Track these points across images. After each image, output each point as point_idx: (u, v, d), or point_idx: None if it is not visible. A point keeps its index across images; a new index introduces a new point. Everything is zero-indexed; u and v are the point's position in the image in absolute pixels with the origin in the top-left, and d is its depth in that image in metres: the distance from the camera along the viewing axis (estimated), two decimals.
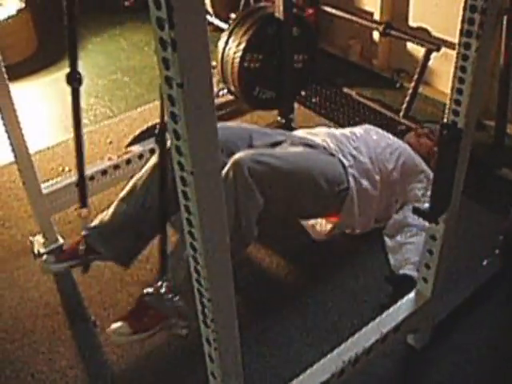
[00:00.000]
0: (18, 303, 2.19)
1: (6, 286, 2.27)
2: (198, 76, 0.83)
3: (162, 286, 1.83)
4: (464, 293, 2.14)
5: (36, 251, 2.29)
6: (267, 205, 1.93)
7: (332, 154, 2.23)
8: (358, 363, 1.67)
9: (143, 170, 2.11)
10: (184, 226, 1.02)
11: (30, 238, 2.35)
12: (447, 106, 1.45)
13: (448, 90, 1.44)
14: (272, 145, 2.25)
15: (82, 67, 3.84)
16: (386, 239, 2.33)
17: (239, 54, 2.82)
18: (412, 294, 1.85)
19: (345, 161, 2.22)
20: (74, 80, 1.97)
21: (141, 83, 3.63)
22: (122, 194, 2.11)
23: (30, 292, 2.23)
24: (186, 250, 1.72)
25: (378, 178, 2.29)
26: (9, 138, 2.12)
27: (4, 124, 2.09)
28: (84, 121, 3.31)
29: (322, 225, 2.35)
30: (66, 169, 2.84)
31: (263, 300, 2.19)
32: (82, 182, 2.13)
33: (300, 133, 2.45)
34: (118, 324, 1.82)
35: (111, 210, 2.10)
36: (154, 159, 2.11)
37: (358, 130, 2.49)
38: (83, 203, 2.15)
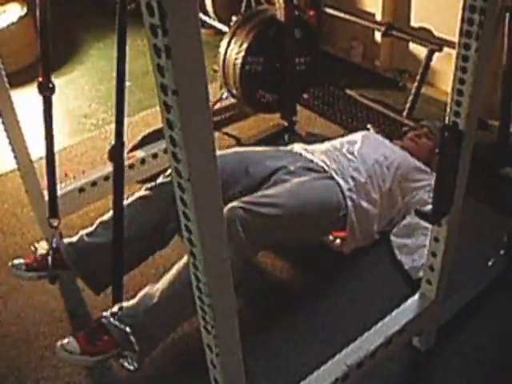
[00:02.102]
0: (22, 309, 2.19)
1: (11, 293, 2.27)
2: (193, 83, 0.82)
3: (118, 313, 1.77)
4: (469, 294, 2.13)
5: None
6: (263, 247, 2.02)
7: (331, 177, 2.23)
8: (362, 367, 1.66)
9: (128, 200, 2.10)
10: (183, 233, 1.02)
11: (34, 244, 2.35)
12: (448, 108, 1.45)
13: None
14: (270, 174, 2.22)
15: (84, 73, 3.89)
16: (397, 240, 2.33)
17: (241, 57, 2.82)
18: (416, 297, 1.85)
19: (343, 184, 2.22)
20: (47, 89, 1.95)
21: (143, 88, 3.63)
22: (104, 217, 2.09)
23: (34, 298, 2.23)
24: (152, 300, 1.77)
25: (377, 196, 2.30)
26: (11, 145, 2.13)
27: (6, 131, 2.09)
28: (86, 126, 3.33)
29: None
30: (71, 175, 2.84)
31: (266, 304, 2.18)
32: (52, 192, 2.10)
33: (298, 148, 2.44)
34: (69, 339, 1.76)
35: (92, 230, 2.07)
36: (140, 192, 2.14)
37: (356, 142, 2.47)
38: (54, 214, 2.11)
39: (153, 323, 1.79)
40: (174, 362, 1.98)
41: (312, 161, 2.30)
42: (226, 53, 2.93)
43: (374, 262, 2.32)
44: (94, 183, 2.42)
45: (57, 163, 2.93)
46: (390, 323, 1.76)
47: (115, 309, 1.77)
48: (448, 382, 1.89)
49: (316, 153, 2.37)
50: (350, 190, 2.22)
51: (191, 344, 1.98)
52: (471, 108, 1.39)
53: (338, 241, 2.31)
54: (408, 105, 3.14)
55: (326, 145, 2.48)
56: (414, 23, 3.39)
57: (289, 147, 2.49)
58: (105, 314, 1.78)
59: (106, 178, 2.44)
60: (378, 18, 3.51)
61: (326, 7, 3.70)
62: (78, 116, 3.43)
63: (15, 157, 2.16)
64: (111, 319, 1.76)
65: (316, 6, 3.74)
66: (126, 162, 2.49)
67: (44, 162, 2.84)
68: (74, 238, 2.08)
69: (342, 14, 3.60)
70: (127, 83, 3.90)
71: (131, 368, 1.78)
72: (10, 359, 2.01)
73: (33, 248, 2.34)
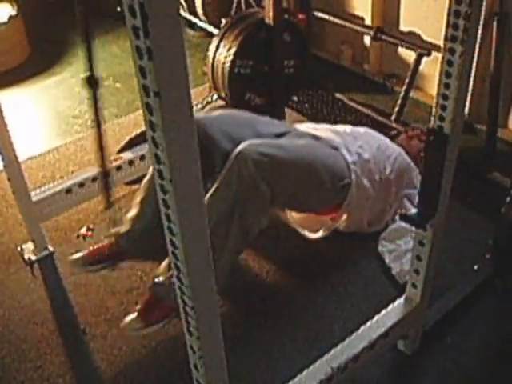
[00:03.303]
0: (8, 310, 2.18)
1: None
2: (174, 84, 0.82)
3: (171, 276, 1.81)
4: (455, 298, 2.14)
5: (26, 258, 2.29)
6: (272, 195, 1.94)
7: (336, 148, 2.23)
8: (346, 370, 1.66)
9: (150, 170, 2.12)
10: (166, 235, 1.02)
11: (21, 245, 2.35)
12: (433, 112, 1.45)
13: None
14: (277, 135, 2.24)
15: (73, 73, 3.88)
16: (385, 244, 2.33)
17: (230, 59, 2.82)
18: (401, 300, 1.85)
19: (348, 157, 2.21)
20: (93, 82, 1.98)
21: (132, 89, 3.61)
22: (140, 197, 2.12)
23: (20, 299, 2.22)
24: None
25: (377, 177, 2.29)
26: None
27: None
28: (75, 127, 3.32)
29: (314, 223, 2.36)
30: (57, 176, 2.83)
31: (251, 306, 2.18)
32: (106, 183, 2.13)
33: (303, 127, 2.45)
34: (130, 317, 1.85)
35: (136, 212, 2.10)
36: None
37: (359, 128, 2.50)
38: (109, 204, 2.19)
39: None
40: (157, 365, 1.97)
41: (317, 134, 2.31)
42: (215, 55, 2.93)
43: (362, 266, 2.32)
44: (81, 184, 2.41)
45: (44, 163, 2.96)
46: (375, 326, 1.76)
47: (162, 271, 1.87)
48: None
49: (320, 130, 2.38)
50: (354, 163, 2.21)
51: (174, 347, 1.97)
52: (456, 112, 1.40)
53: (321, 231, 2.34)
54: (396, 108, 3.15)
55: (329, 126, 2.49)
56: (402, 27, 3.40)
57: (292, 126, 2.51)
58: (156, 280, 1.86)
59: (94, 180, 2.43)
60: (368, 21, 3.51)
61: (315, 11, 3.71)
62: (66, 117, 3.42)
63: (2, 157, 2.14)
64: (162, 284, 1.84)
65: (305, 9, 3.75)
66: (114, 164, 2.50)
67: (31, 162, 2.85)
68: (128, 226, 2.10)
69: (331, 18, 3.60)
70: (117, 85, 3.91)
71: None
72: None
73: (19, 249, 2.34)
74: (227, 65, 2.83)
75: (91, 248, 2.11)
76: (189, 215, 0.96)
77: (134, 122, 3.25)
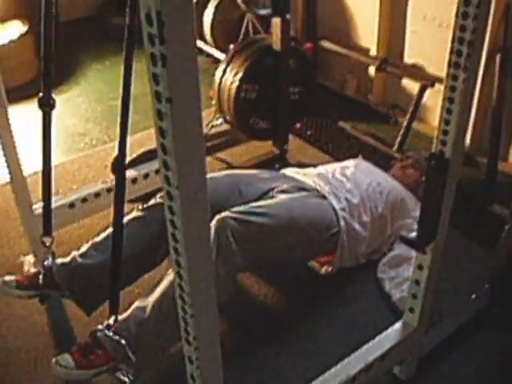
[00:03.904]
0: (5, 321, 2.18)
1: None
2: (186, 91, 0.85)
3: (113, 326, 1.77)
4: (452, 325, 2.14)
5: (26, 270, 2.29)
6: (254, 260, 1.98)
7: (324, 197, 2.25)
8: None
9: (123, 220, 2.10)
10: (169, 241, 1.03)
11: (21, 257, 2.36)
12: (435, 137, 1.48)
13: None
14: (262, 194, 2.24)
15: (81, 93, 3.92)
16: (385, 270, 2.34)
17: (236, 83, 2.86)
18: (399, 324, 1.86)
19: (336, 204, 2.24)
20: (47, 104, 1.96)
21: (138, 110, 3.63)
22: (97, 239, 2.08)
23: (17, 311, 2.22)
24: (144, 314, 1.79)
25: (368, 219, 2.31)
26: (5, 159, 2.15)
27: (1, 145, 2.11)
28: (81, 145, 3.36)
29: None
30: (60, 191, 2.85)
31: (248, 327, 2.18)
32: (47, 210, 2.08)
33: (290, 172, 2.46)
34: (63, 355, 1.76)
35: (84, 251, 2.06)
36: (133, 213, 2.14)
37: (349, 167, 2.51)
38: (47, 231, 2.09)
39: (147, 336, 1.80)
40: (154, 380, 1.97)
41: (304, 182, 2.32)
42: (221, 79, 2.97)
43: (361, 292, 2.32)
44: (84, 199, 2.44)
45: None
46: (372, 349, 1.77)
47: (110, 321, 1.77)
48: None
49: (308, 175, 2.39)
50: (343, 209, 2.23)
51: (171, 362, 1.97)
52: (457, 137, 1.43)
53: (324, 268, 2.33)
54: (398, 139, 3.19)
55: (319, 168, 2.51)
56: (407, 59, 3.46)
57: (281, 171, 2.51)
58: (100, 327, 1.79)
59: (97, 195, 2.46)
60: (373, 53, 3.57)
61: (321, 40, 3.77)
62: (72, 134, 3.46)
63: (8, 171, 2.17)
64: (106, 332, 1.76)
65: (312, 38, 3.82)
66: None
67: (36, 177, 2.86)
68: (67, 259, 2.06)
69: (337, 48, 3.67)
70: None
71: (126, 380, 1.75)
72: None
73: (19, 260, 2.35)
74: (233, 89, 2.87)
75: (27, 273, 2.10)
76: (194, 221, 0.98)
77: (139, 142, 3.28)
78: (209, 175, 2.39)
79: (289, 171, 2.49)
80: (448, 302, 2.20)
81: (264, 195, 2.23)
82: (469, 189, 2.81)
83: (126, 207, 2.67)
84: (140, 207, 2.16)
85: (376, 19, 3.48)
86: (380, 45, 3.53)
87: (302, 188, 2.28)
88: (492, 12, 2.68)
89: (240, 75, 2.86)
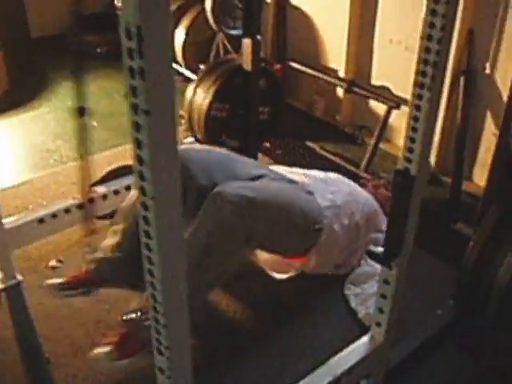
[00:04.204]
0: None
1: None
2: (163, 104, 0.88)
3: (143, 313, 1.83)
4: (418, 340, 2.18)
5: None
6: (247, 238, 1.98)
7: (310, 193, 2.29)
8: None
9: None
10: (142, 251, 1.05)
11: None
12: (401, 154, 1.53)
13: None
14: (254, 177, 2.27)
15: (51, 110, 3.91)
16: (351, 287, 2.38)
17: (207, 102, 2.90)
18: (365, 338, 1.88)
19: (322, 202, 2.28)
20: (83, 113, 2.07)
21: (108, 128, 3.67)
22: (122, 226, 2.15)
23: None
24: None
25: (347, 222, 2.35)
26: None
27: None
28: (50, 161, 3.35)
29: (282, 264, 2.40)
30: (30, 207, 2.84)
31: (215, 344, 2.18)
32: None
33: (278, 169, 2.50)
34: (103, 349, 1.85)
35: (115, 241, 2.14)
36: None
37: (330, 174, 2.57)
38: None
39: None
40: None
41: (292, 178, 2.37)
42: (192, 98, 3.01)
43: (327, 308, 2.35)
44: (54, 215, 2.43)
45: (18, 195, 2.97)
46: (339, 363, 1.79)
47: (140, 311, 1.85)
48: None
49: (294, 173, 2.44)
50: (327, 208, 2.27)
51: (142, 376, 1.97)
52: (422, 155, 1.48)
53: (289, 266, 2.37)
54: (366, 159, 3.26)
55: (303, 170, 2.55)
56: (374, 81, 3.54)
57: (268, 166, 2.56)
58: (129, 316, 1.88)
59: (67, 211, 2.45)
60: (341, 74, 3.65)
61: (291, 61, 3.84)
62: (40, 151, 3.45)
63: None
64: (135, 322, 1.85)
65: (282, 59, 3.88)
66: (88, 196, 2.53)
67: (5, 193, 2.85)
68: (107, 254, 2.14)
69: (306, 69, 3.74)
70: (93, 123, 3.94)
71: None
72: None
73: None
74: (204, 107, 2.91)
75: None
76: (168, 232, 1.00)
77: (108, 159, 3.28)
78: (207, 147, 2.54)
79: (275, 167, 2.53)
80: (413, 318, 2.24)
81: (255, 179, 2.26)
82: (434, 207, 2.87)
83: (95, 223, 2.69)
84: None
85: (344, 42, 3.56)
86: (348, 67, 3.61)
87: (291, 181, 2.33)
88: (456, 36, 2.78)
89: (211, 94, 2.90)
